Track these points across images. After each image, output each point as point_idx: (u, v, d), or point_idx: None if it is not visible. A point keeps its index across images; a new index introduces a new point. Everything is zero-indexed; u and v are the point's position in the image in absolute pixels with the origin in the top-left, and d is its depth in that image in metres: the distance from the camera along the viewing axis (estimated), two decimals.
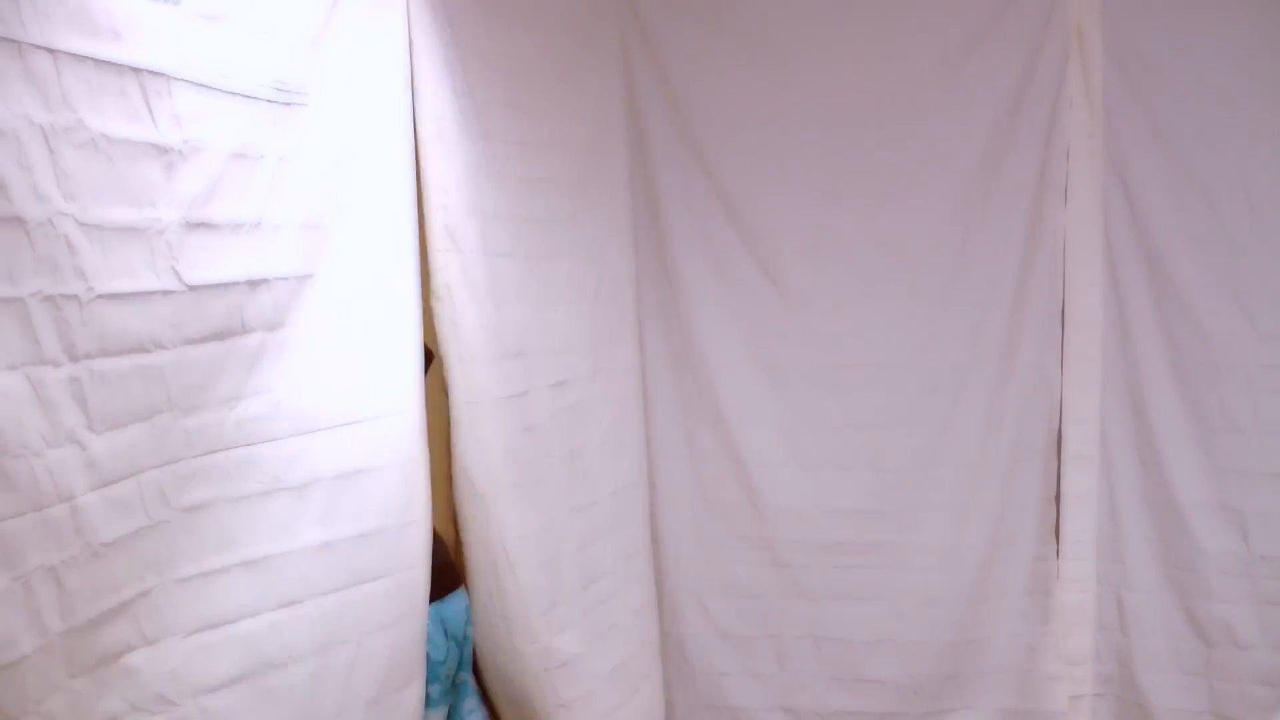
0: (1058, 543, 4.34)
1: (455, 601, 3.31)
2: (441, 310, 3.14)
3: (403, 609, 2.94)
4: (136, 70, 2.10)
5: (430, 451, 3.11)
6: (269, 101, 2.49)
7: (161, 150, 2.18)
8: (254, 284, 2.49)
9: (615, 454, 4.02)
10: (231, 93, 2.37)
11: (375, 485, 2.89)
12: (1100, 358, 4.23)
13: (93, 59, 2.00)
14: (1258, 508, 4.08)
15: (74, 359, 1.99)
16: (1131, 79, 4.09)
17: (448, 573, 3.31)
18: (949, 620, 4.40)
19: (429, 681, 3.14)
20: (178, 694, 2.35)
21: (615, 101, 4.25)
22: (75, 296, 1.98)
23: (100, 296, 2.04)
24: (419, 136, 3.04)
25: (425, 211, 3.07)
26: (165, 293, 2.21)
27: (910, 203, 4.30)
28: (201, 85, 2.28)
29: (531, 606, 3.42)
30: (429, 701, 3.16)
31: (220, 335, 2.41)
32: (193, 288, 2.28)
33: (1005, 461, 4.33)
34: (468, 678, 3.41)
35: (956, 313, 4.31)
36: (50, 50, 1.92)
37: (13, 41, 1.85)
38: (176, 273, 2.23)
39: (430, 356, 3.16)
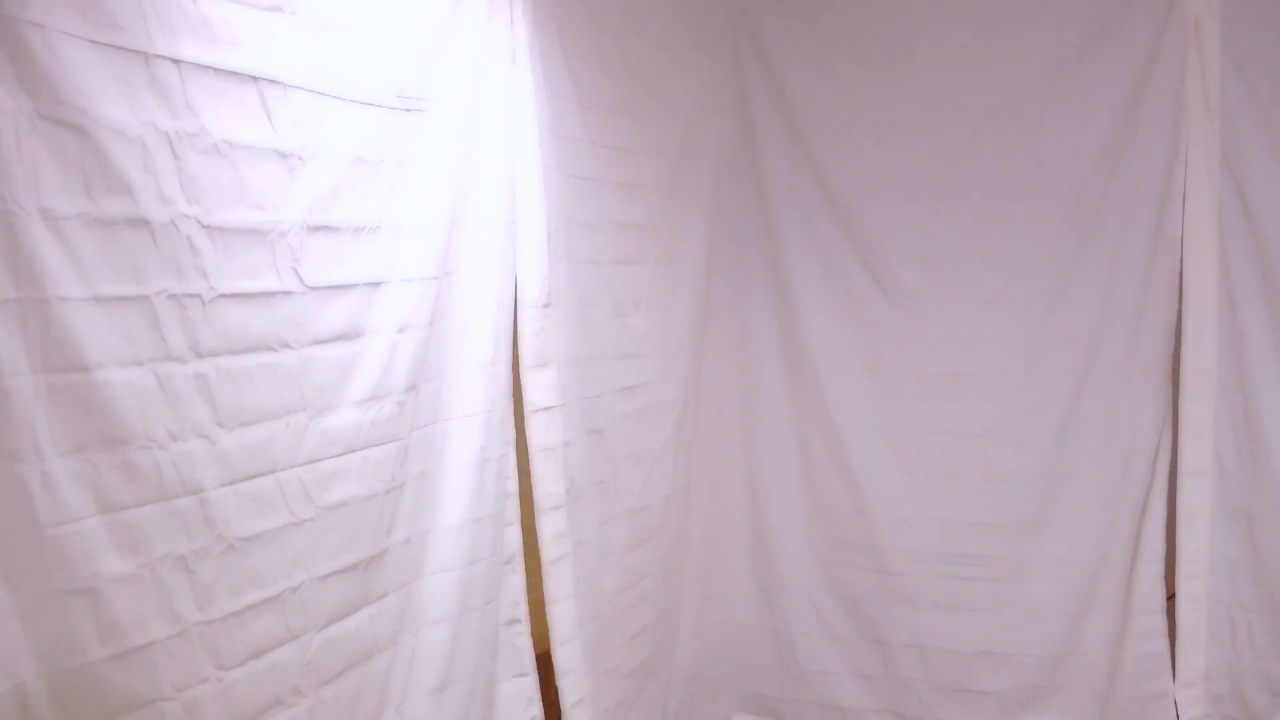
0: (1171, 559, 4.09)
1: None
2: (532, 315, 3.10)
3: (464, 604, 2.92)
4: (255, 78, 2.12)
5: None
6: (390, 108, 2.50)
7: (282, 155, 2.20)
8: (375, 285, 2.50)
9: (673, 458, 3.95)
10: (351, 100, 2.38)
11: (472, 476, 2.91)
12: (1216, 370, 3.96)
13: (214, 68, 2.03)
14: None
15: (200, 356, 2.02)
16: (1249, 80, 3.86)
17: None
18: (1056, 634, 4.20)
19: None
20: (308, 686, 2.38)
21: (713, 105, 4.18)
22: (198, 295, 2.01)
23: (222, 296, 2.06)
24: (515, 143, 3.02)
25: (518, 218, 3.05)
26: (286, 293, 2.23)
27: (1024, 209, 4.12)
28: (320, 93, 2.29)
29: (601, 605, 3.41)
30: None
31: (347, 335, 2.43)
32: (314, 288, 2.30)
33: (1117, 475, 4.10)
34: None
35: (1070, 322, 4.12)
36: (175, 60, 1.95)
37: (139, 53, 1.88)
38: (298, 274, 2.25)
39: None
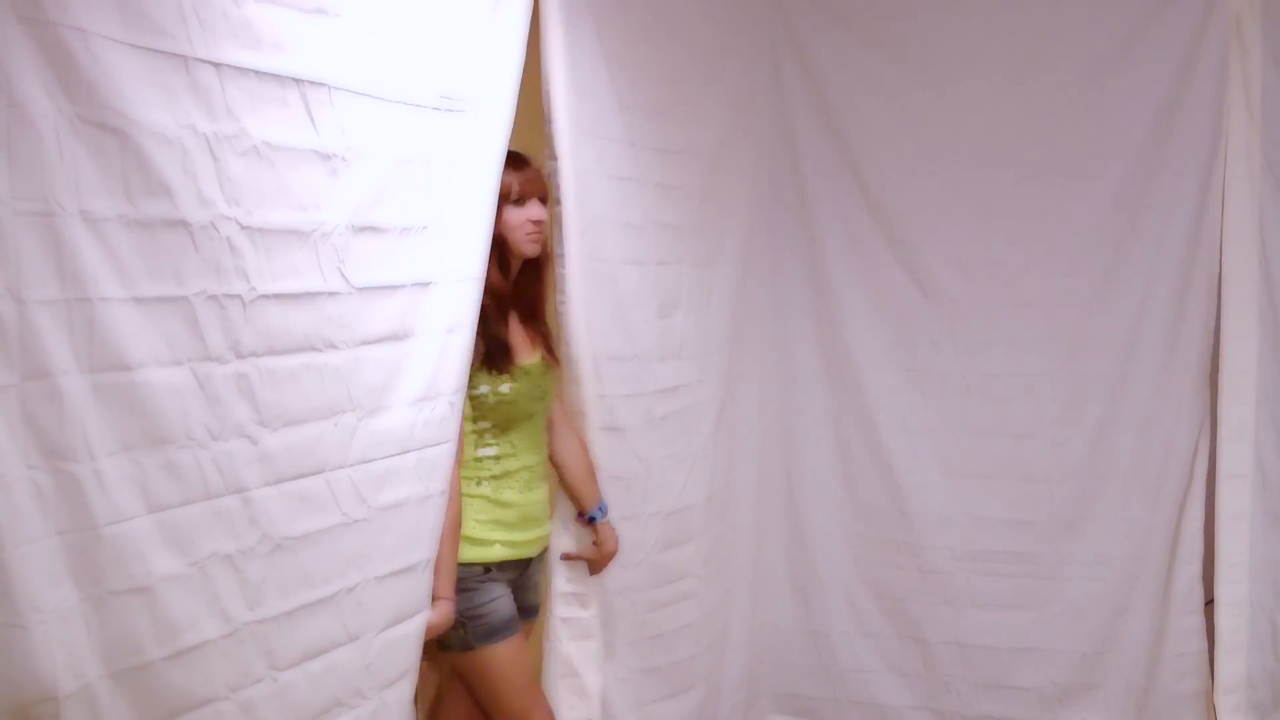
0: (1209, 562, 3.97)
1: None
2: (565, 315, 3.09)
3: None
4: (298, 80, 2.08)
5: None
6: (433, 109, 2.46)
7: (325, 156, 2.15)
8: (424, 286, 2.46)
9: (713, 459, 3.90)
10: (395, 101, 2.34)
11: None
12: (1256, 372, 3.85)
13: (255, 71, 1.99)
14: None
15: (240, 356, 1.99)
16: None
17: None
18: (1094, 631, 4.14)
19: None
20: (370, 688, 2.35)
21: (750, 107, 4.12)
22: (238, 296, 1.97)
23: (263, 296, 2.02)
24: (554, 144, 2.98)
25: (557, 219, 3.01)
26: (331, 294, 2.19)
27: (1063, 210, 4.05)
28: (363, 94, 2.25)
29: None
30: None
31: (396, 336, 2.39)
32: (360, 289, 2.27)
33: (1155, 475, 4.03)
34: None
35: (1109, 323, 4.05)
36: (215, 64, 1.91)
37: (180, 56, 1.85)
38: (343, 274, 2.21)
39: None
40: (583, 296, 3.08)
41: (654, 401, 3.50)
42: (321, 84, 2.13)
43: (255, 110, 1.99)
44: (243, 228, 1.97)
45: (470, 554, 2.92)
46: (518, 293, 3.04)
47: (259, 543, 2.06)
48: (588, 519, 3.27)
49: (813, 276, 4.34)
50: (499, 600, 2.96)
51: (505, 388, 2.92)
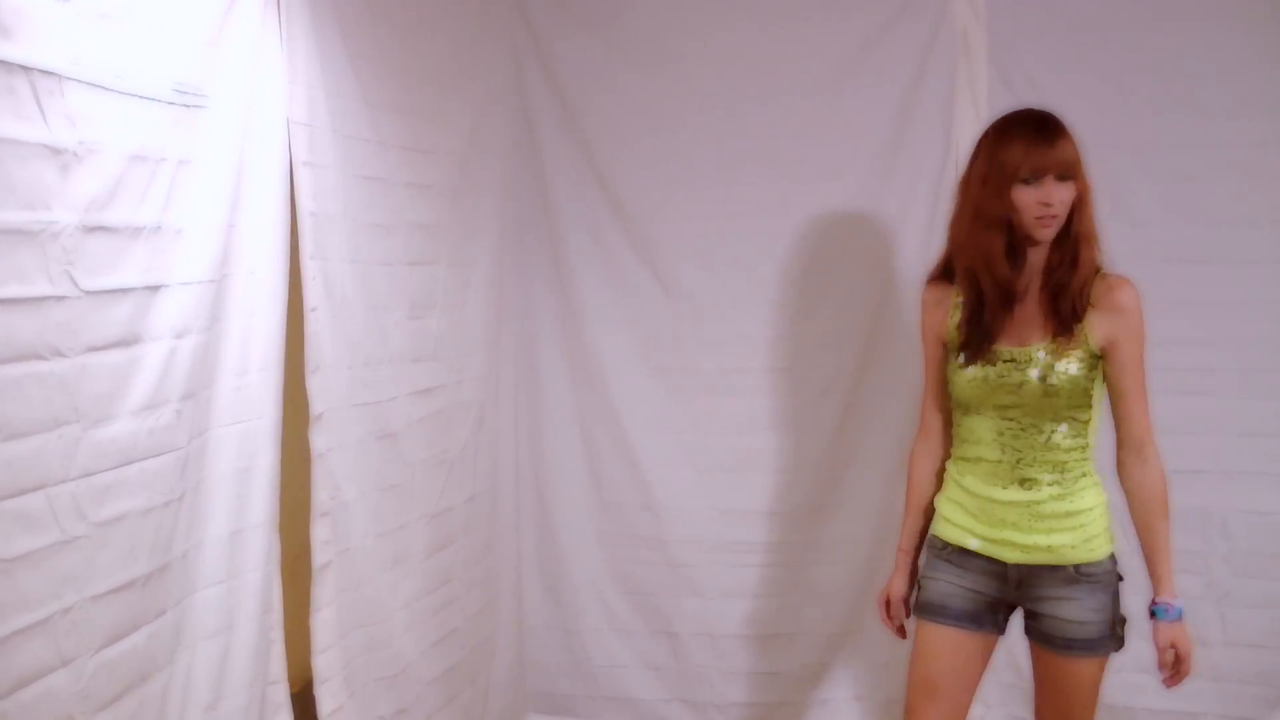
0: None
1: None
2: (309, 319, 2.96)
3: (234, 616, 2.76)
4: (26, 69, 1.95)
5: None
6: (168, 103, 2.34)
7: (55, 151, 2.03)
8: (154, 289, 2.34)
9: (474, 461, 3.90)
10: (128, 93, 2.22)
11: (242, 484, 2.75)
12: None
13: None
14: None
15: None
16: (1014, 90, 3.96)
17: None
18: (839, 613, 4.31)
19: None
20: (83, 713, 2.22)
21: (498, 107, 4.12)
22: None
23: None
24: (290, 142, 2.86)
25: (297, 219, 2.89)
26: (59, 298, 2.06)
27: (803, 210, 4.18)
28: (96, 85, 2.13)
29: (378, 611, 3.30)
30: None
31: (124, 342, 2.26)
32: (90, 293, 2.14)
33: (896, 460, 4.13)
34: None
35: (850, 319, 4.21)
36: None
37: None
38: (72, 278, 2.09)
39: None
40: (314, 302, 2.96)
41: (412, 404, 3.44)
42: (52, 73, 2.01)
43: None
44: None
45: (933, 526, 3.11)
46: (1044, 277, 2.87)
47: None
48: (1150, 612, 2.93)
49: (557, 276, 4.37)
50: (940, 583, 3.04)
51: (970, 372, 2.93)
